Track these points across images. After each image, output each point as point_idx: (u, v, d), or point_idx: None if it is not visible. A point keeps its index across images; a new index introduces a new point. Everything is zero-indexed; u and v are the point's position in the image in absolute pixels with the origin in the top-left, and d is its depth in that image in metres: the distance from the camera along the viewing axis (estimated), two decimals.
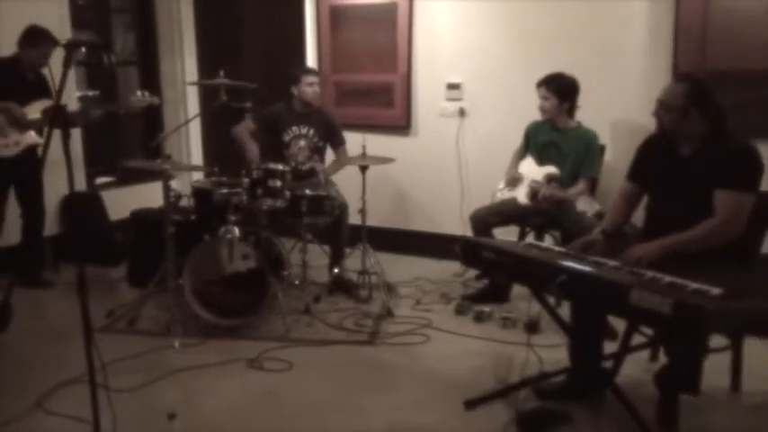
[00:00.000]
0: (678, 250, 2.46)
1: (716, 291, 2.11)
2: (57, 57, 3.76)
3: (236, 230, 3.51)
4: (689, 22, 3.94)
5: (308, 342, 3.41)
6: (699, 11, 3.91)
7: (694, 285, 2.16)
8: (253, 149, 4.26)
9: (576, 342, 2.78)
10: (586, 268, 2.35)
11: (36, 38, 3.96)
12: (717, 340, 2.57)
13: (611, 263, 2.47)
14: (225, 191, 3.62)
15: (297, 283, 3.94)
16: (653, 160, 2.77)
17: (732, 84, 3.71)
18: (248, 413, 2.74)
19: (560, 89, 3.78)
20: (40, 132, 4.07)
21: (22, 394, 2.79)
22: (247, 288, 3.48)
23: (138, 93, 3.98)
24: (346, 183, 4.36)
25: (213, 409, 2.75)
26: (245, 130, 4.35)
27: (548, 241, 3.95)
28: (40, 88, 4.05)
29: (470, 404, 2.75)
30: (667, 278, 2.24)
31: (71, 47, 1.88)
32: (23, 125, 3.96)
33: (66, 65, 1.86)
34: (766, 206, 2.57)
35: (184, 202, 4.15)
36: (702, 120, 2.54)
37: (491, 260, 2.62)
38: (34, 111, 3.99)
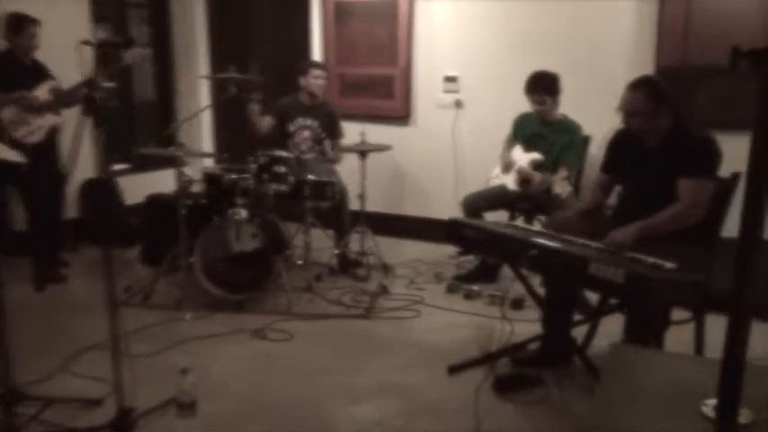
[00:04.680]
0: (651, 234, 2.70)
1: (669, 265, 2.37)
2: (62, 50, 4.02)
3: (244, 212, 3.75)
4: (672, 19, 4.14)
5: (309, 316, 3.69)
6: (681, 9, 4.10)
7: (651, 260, 2.41)
8: (266, 120, 4.49)
9: (548, 313, 3.04)
10: (553, 243, 2.61)
11: (18, 23, 4.10)
12: (680, 314, 2.83)
13: (596, 245, 2.66)
14: (234, 176, 3.90)
15: (300, 262, 4.20)
16: (622, 153, 3.04)
17: (709, 79, 3.96)
18: (250, 375, 3.03)
19: (548, 88, 3.97)
20: (55, 113, 4.23)
21: (48, 358, 3.07)
22: (253, 266, 3.75)
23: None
24: (347, 170, 4.60)
25: (220, 371, 3.04)
26: (252, 110, 4.50)
27: (537, 225, 4.19)
28: (39, 72, 4.22)
29: (453, 369, 3.02)
30: (648, 258, 2.42)
31: (97, 46, 2.15)
32: (39, 109, 4.12)
33: (100, 63, 2.13)
34: (723, 192, 2.80)
35: (195, 188, 4.39)
36: (668, 113, 2.80)
37: (472, 237, 2.89)
38: (42, 94, 4.15)
